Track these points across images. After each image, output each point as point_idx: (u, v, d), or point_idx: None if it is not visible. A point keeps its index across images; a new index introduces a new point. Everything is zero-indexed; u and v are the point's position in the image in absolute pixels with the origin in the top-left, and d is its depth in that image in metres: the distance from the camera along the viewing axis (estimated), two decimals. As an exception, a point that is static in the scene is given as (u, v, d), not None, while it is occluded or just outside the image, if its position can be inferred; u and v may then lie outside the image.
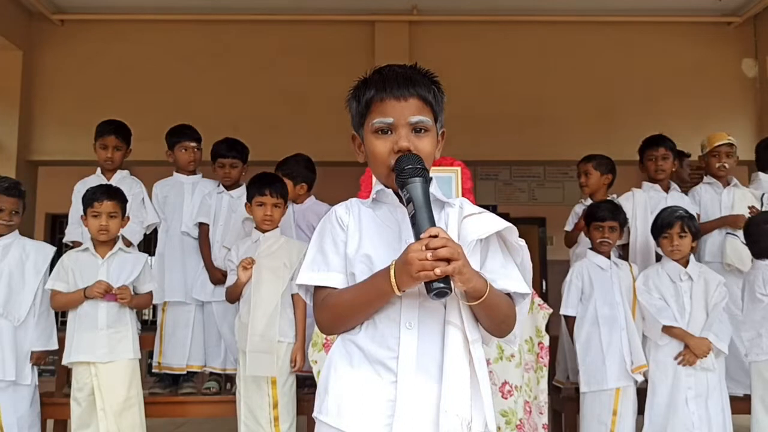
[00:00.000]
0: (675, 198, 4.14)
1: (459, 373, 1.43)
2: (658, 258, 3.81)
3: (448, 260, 1.34)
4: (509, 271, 1.53)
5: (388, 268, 1.41)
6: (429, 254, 1.34)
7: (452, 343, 1.44)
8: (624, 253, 4.11)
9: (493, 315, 1.48)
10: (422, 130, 1.52)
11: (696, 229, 3.58)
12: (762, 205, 4.12)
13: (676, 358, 3.44)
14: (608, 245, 3.71)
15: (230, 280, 3.48)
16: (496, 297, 1.46)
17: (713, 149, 4.28)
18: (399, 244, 1.48)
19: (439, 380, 1.43)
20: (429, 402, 1.42)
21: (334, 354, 1.54)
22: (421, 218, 1.41)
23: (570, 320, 3.69)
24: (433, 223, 1.40)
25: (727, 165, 4.24)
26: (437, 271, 1.33)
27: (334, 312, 1.52)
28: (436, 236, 1.36)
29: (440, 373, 1.43)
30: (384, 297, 1.44)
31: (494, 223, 1.51)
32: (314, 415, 1.54)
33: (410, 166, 1.46)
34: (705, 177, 4.36)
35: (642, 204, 4.12)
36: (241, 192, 4.01)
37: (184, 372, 3.98)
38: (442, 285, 1.35)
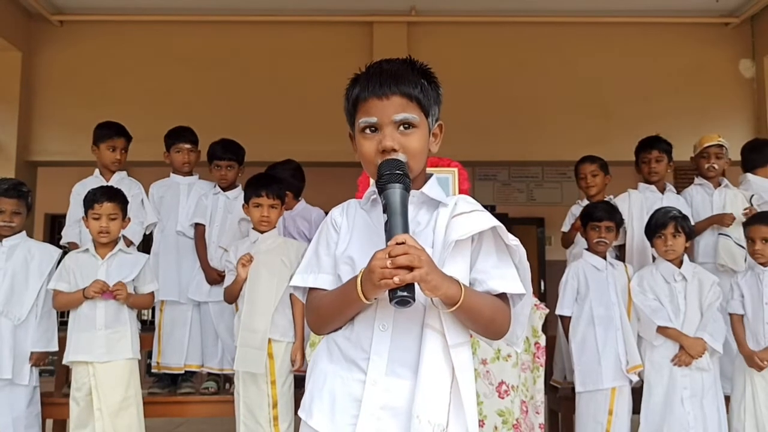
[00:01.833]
0: (671, 199, 4.17)
1: (435, 378, 1.40)
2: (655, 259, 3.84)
3: (410, 268, 1.32)
4: (503, 272, 1.48)
5: (356, 276, 1.40)
6: (389, 262, 1.32)
7: (429, 347, 1.41)
8: (620, 253, 4.13)
9: (476, 319, 1.45)
10: (409, 127, 1.49)
11: (690, 229, 3.60)
12: (752, 205, 4.14)
13: (671, 360, 3.46)
14: (605, 245, 3.72)
15: (228, 280, 3.49)
16: (475, 301, 1.42)
17: (702, 150, 4.29)
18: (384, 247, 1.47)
19: (412, 384, 1.41)
20: (399, 405, 1.41)
21: (318, 351, 1.56)
22: (393, 225, 1.38)
23: (565, 320, 3.70)
24: (405, 230, 1.38)
25: (716, 166, 4.25)
26: (396, 279, 1.31)
27: (317, 314, 1.54)
28: (402, 243, 1.33)
29: (414, 376, 1.41)
30: (354, 304, 1.42)
31: (479, 222, 1.47)
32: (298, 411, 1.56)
33: (388, 172, 1.43)
34: (696, 178, 4.39)
35: (638, 205, 4.13)
36: (237, 193, 4.03)
37: (182, 372, 3.99)
38: (404, 294, 1.33)
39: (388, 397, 1.42)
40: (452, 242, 1.44)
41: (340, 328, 1.51)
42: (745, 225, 3.73)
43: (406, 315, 1.43)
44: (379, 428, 1.40)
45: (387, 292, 1.35)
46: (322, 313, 1.51)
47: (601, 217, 3.72)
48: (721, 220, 4.09)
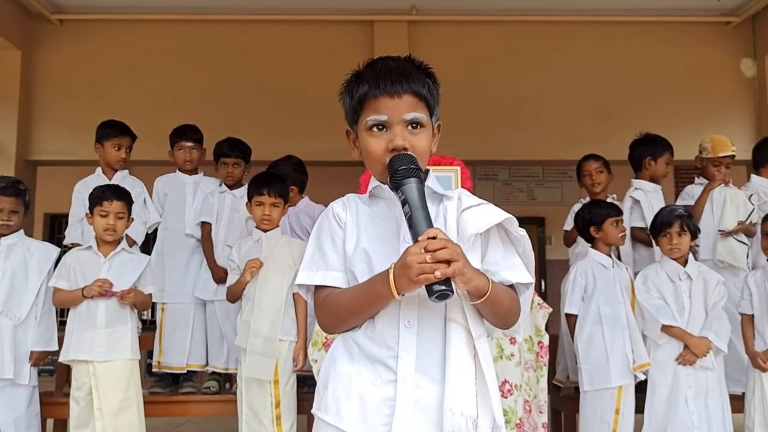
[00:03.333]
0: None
1: (463, 371, 1.41)
2: None
3: (447, 262, 1.31)
4: (511, 262, 1.50)
5: (387, 272, 1.38)
6: (428, 257, 1.31)
7: (455, 340, 1.42)
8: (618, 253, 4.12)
9: (497, 310, 1.46)
10: (417, 126, 1.49)
11: (695, 227, 3.60)
12: (752, 204, 4.14)
13: (676, 360, 3.45)
14: (624, 239, 3.76)
15: (231, 279, 3.48)
16: (498, 292, 1.43)
17: (717, 159, 4.28)
18: (398, 242, 1.46)
19: (440, 379, 1.41)
20: (430, 401, 1.41)
21: (335, 351, 1.52)
22: (418, 219, 1.38)
23: (572, 319, 3.66)
24: (430, 224, 1.37)
25: (725, 176, 4.27)
26: (437, 273, 1.30)
27: (334, 313, 1.50)
28: (434, 238, 1.33)
29: (441, 372, 1.41)
30: (382, 300, 1.41)
31: (493, 215, 1.48)
32: (313, 411, 1.53)
33: (403, 167, 1.42)
34: (697, 178, 4.39)
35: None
36: (243, 191, 3.99)
37: (184, 371, 3.98)
38: (443, 287, 1.32)
39: (419, 393, 1.41)
40: (472, 235, 1.45)
41: (357, 326, 1.48)
42: (764, 220, 3.72)
43: (430, 310, 1.43)
44: (412, 425, 1.40)
45: (424, 287, 1.34)
46: (341, 311, 1.48)
47: (620, 213, 3.74)
48: (712, 185, 4.11)
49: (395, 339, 1.43)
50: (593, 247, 3.75)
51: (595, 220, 3.74)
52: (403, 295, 1.38)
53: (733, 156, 4.28)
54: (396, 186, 1.43)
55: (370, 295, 1.43)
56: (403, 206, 1.41)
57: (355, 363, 1.46)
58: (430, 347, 1.43)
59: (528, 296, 1.54)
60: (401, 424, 1.39)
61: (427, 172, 1.55)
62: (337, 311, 1.49)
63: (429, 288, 1.33)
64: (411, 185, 1.41)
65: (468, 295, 1.41)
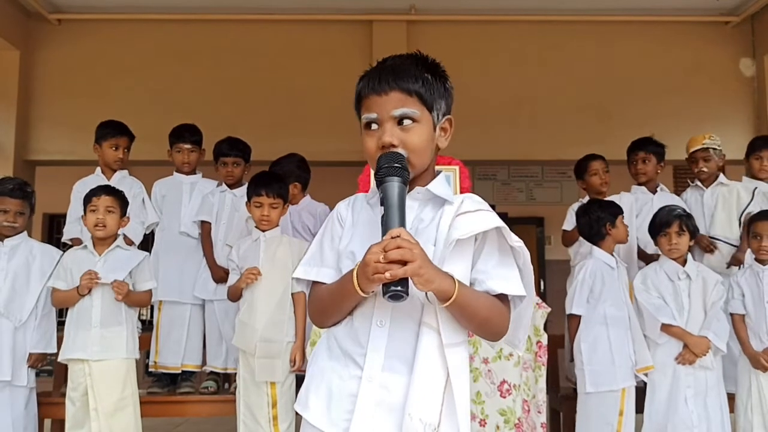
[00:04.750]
0: (663, 199, 4.17)
1: (429, 377, 1.40)
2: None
3: (404, 263, 1.32)
4: (504, 272, 1.47)
5: (352, 269, 1.41)
6: (382, 257, 1.32)
7: (425, 344, 1.41)
8: None
9: (470, 317, 1.44)
10: (409, 122, 1.48)
11: (694, 227, 3.59)
12: (752, 197, 4.12)
13: (675, 359, 3.44)
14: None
15: (231, 279, 3.48)
16: (470, 298, 1.42)
17: (689, 156, 4.29)
18: None
19: (408, 381, 1.41)
20: (395, 402, 1.41)
21: (319, 346, 1.57)
22: (389, 218, 1.39)
23: (574, 319, 3.59)
24: (401, 224, 1.38)
25: (705, 169, 4.24)
26: (387, 274, 1.31)
27: (317, 306, 1.55)
28: (397, 237, 1.34)
29: (410, 373, 1.41)
30: (351, 296, 1.43)
31: (484, 222, 1.46)
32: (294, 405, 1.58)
33: (386, 165, 1.43)
34: (694, 180, 4.39)
35: (628, 206, 4.11)
36: (243, 191, 3.98)
37: (179, 371, 3.97)
38: (396, 288, 1.33)
39: (383, 393, 1.42)
40: (453, 241, 1.44)
41: (341, 321, 1.51)
42: (751, 221, 3.70)
43: (404, 311, 1.43)
44: (374, 424, 1.41)
45: (381, 286, 1.36)
46: (322, 306, 1.53)
47: (623, 211, 3.75)
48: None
49: (366, 336, 1.45)
50: (607, 245, 3.69)
51: (609, 218, 3.72)
52: (366, 293, 1.40)
53: (707, 149, 4.23)
54: (377, 184, 1.44)
55: (342, 291, 1.46)
56: (381, 205, 1.42)
57: (332, 360, 1.50)
58: (401, 348, 1.43)
59: (525, 309, 1.52)
60: (360, 422, 1.40)
61: (438, 173, 1.55)
62: (321, 305, 1.54)
63: (383, 288, 1.35)
64: (390, 184, 1.41)
65: (436, 298, 1.41)
